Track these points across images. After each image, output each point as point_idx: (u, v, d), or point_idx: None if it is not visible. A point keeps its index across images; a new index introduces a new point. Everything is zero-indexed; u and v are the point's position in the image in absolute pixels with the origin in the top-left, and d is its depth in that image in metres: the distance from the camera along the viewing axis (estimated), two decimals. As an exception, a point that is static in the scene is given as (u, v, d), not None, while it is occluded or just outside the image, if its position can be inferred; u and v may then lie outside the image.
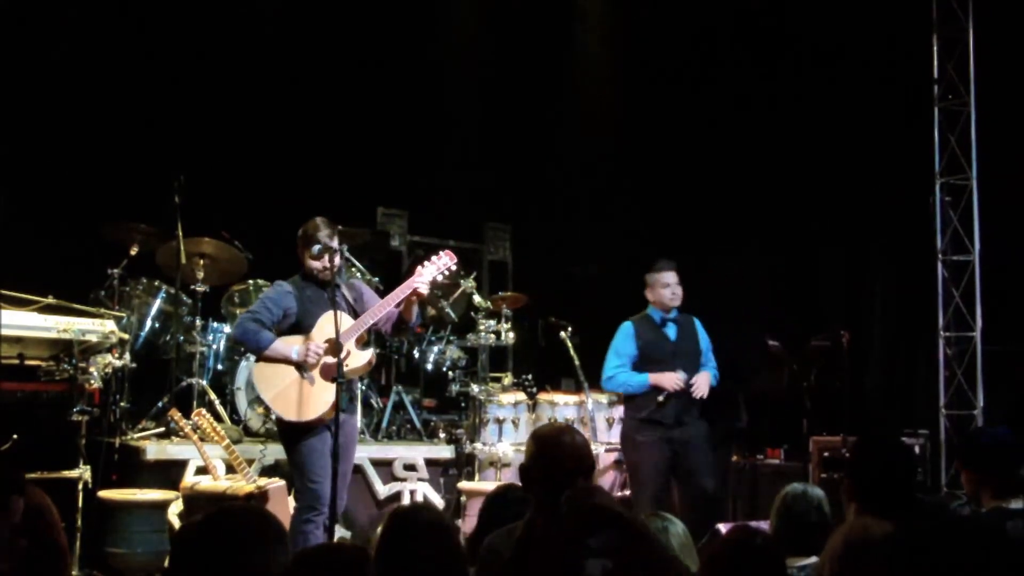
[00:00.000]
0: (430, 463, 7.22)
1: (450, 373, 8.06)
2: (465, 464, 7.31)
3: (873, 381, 8.94)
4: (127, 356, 6.34)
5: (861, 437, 3.49)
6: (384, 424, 7.70)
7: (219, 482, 5.79)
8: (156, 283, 7.18)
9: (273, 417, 5.73)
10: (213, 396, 7.09)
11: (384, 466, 7.06)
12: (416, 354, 8.18)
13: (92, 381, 5.93)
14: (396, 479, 7.07)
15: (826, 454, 7.52)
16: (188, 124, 7.97)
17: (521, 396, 7.55)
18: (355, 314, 5.31)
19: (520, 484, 6.21)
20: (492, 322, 7.92)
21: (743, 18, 9.24)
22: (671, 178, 9.46)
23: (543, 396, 7.62)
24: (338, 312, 5.15)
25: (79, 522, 5.61)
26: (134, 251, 6.96)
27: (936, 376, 8.60)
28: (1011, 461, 3.53)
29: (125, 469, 6.24)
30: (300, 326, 5.21)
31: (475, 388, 7.51)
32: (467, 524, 6.43)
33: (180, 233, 6.87)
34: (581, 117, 9.90)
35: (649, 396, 6.03)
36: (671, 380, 5.98)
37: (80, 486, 5.67)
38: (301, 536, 4.95)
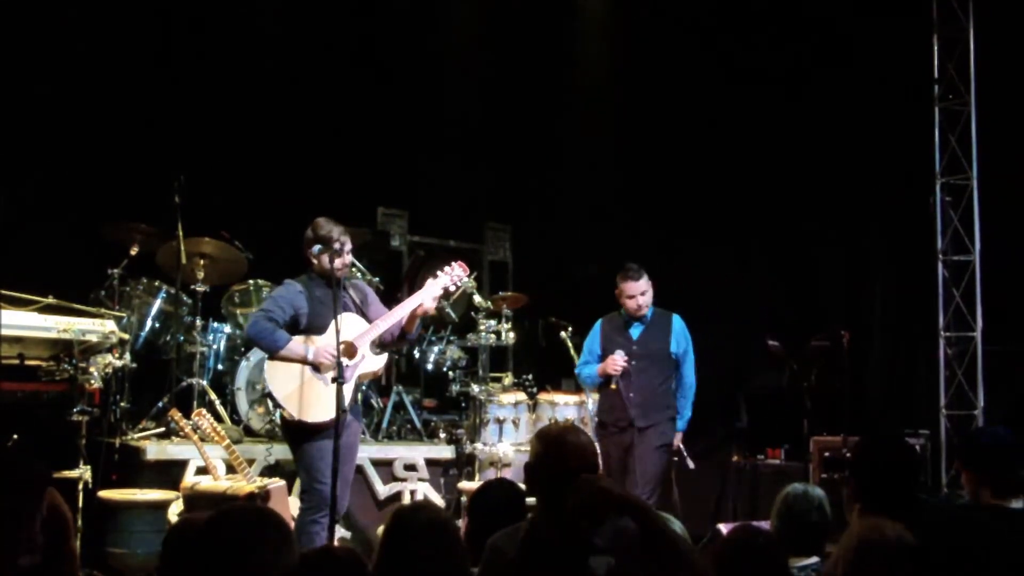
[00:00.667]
0: (430, 463, 7.21)
1: (450, 373, 8.06)
2: (465, 464, 7.31)
3: (873, 381, 8.94)
4: (127, 356, 6.33)
5: (864, 437, 3.48)
6: (384, 424, 7.70)
7: (219, 482, 5.78)
8: (156, 283, 7.17)
9: (277, 416, 5.73)
10: (213, 396, 7.09)
11: (384, 466, 7.06)
12: (416, 354, 8.18)
13: (92, 381, 5.93)
14: (396, 479, 7.07)
15: (826, 454, 7.52)
16: (188, 124, 7.96)
17: (521, 396, 7.55)
18: (362, 315, 5.32)
19: (508, 479, 6.26)
20: (492, 322, 7.91)
21: (743, 18, 9.24)
22: (671, 178, 9.45)
23: (543, 396, 7.63)
24: (346, 312, 5.18)
25: (79, 522, 5.60)
26: (134, 251, 6.95)
27: (936, 376, 8.61)
28: (1011, 461, 3.53)
29: (125, 469, 6.23)
30: (310, 326, 5.19)
31: (475, 388, 7.50)
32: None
33: (180, 233, 6.86)
34: (581, 117, 9.90)
35: (608, 394, 6.04)
36: (610, 364, 5.94)
37: (80, 486, 5.66)
38: (307, 536, 4.96)
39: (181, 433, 6.09)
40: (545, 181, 10.00)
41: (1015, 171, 8.14)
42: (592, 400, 7.21)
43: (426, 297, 5.30)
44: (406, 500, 6.98)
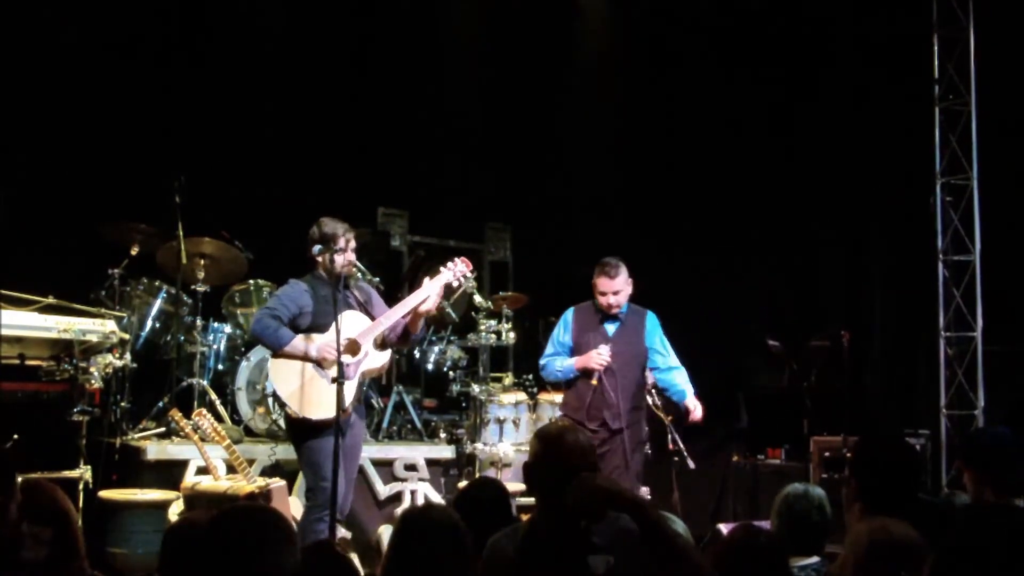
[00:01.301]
0: (431, 463, 7.21)
1: (451, 373, 8.06)
2: (466, 464, 7.31)
3: (873, 381, 8.95)
4: (127, 356, 6.33)
5: (866, 437, 3.48)
6: (385, 424, 7.70)
7: (220, 482, 5.78)
8: (156, 283, 7.17)
9: (277, 416, 5.74)
10: (214, 396, 7.08)
11: (385, 466, 7.05)
12: (417, 354, 8.18)
13: (92, 381, 5.93)
14: (397, 479, 7.06)
15: (826, 454, 7.53)
16: (188, 124, 7.96)
17: (522, 396, 7.56)
18: (367, 313, 5.33)
19: (493, 478, 6.25)
20: (493, 322, 7.91)
21: (743, 18, 9.24)
22: (671, 178, 9.46)
23: (544, 396, 7.63)
24: (349, 310, 5.19)
25: (79, 522, 5.59)
26: (134, 251, 6.95)
27: (936, 376, 8.61)
28: (1013, 461, 3.53)
29: (125, 469, 6.23)
30: (314, 324, 5.20)
31: (476, 388, 7.51)
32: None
33: (180, 233, 6.86)
34: (581, 117, 9.90)
35: (577, 393, 5.77)
36: (593, 359, 5.62)
37: (80, 486, 5.66)
38: (312, 535, 4.96)
39: (181, 433, 6.08)
40: (545, 181, 9.99)
41: (1015, 171, 8.15)
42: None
43: (431, 291, 5.29)
44: (406, 500, 6.98)
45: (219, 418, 6.67)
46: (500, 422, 7.31)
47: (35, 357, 5.90)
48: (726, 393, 8.96)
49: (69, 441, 5.77)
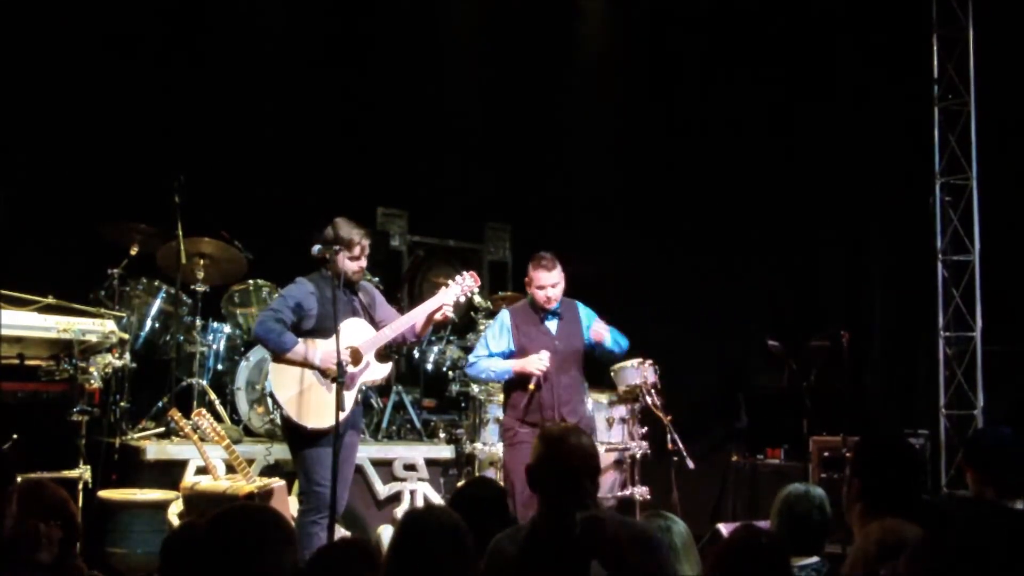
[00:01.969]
0: (430, 463, 7.21)
1: (450, 373, 8.06)
2: (465, 464, 7.30)
3: (873, 381, 8.94)
4: (127, 356, 6.33)
5: (867, 437, 3.47)
6: (384, 424, 7.70)
7: (219, 482, 5.78)
8: (156, 283, 7.17)
9: (277, 417, 5.73)
10: (213, 396, 7.09)
11: (384, 466, 7.05)
12: (416, 354, 8.18)
13: (92, 381, 5.93)
14: (396, 479, 7.06)
15: (826, 454, 7.52)
16: (188, 124, 7.96)
17: (521, 396, 7.53)
18: (370, 318, 5.31)
19: (489, 478, 6.24)
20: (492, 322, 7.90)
21: (743, 18, 9.24)
22: (671, 178, 9.45)
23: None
24: (354, 317, 5.18)
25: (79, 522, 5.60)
26: (134, 251, 6.95)
27: (936, 376, 8.61)
28: (1015, 461, 3.53)
29: (125, 469, 6.23)
30: (317, 327, 5.16)
31: (475, 388, 7.50)
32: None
33: (180, 233, 6.86)
34: (582, 116, 9.89)
35: (522, 391, 5.66)
36: (534, 364, 5.56)
37: (80, 486, 5.66)
38: (307, 537, 4.97)
39: (181, 433, 6.08)
40: (545, 181, 9.99)
41: (1015, 171, 8.15)
42: (591, 400, 7.19)
43: (444, 304, 5.31)
44: (406, 500, 6.98)
45: (218, 418, 6.68)
46: (499, 422, 7.29)
47: (35, 357, 5.90)
48: (726, 393, 8.97)
49: (69, 441, 5.77)
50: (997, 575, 1.93)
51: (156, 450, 6.37)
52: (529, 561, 2.86)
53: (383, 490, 6.96)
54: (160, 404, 6.88)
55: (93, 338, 5.99)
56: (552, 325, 5.81)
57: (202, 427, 5.73)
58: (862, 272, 9.22)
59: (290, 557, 2.28)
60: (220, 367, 7.37)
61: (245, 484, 5.60)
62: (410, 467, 7.11)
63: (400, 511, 6.92)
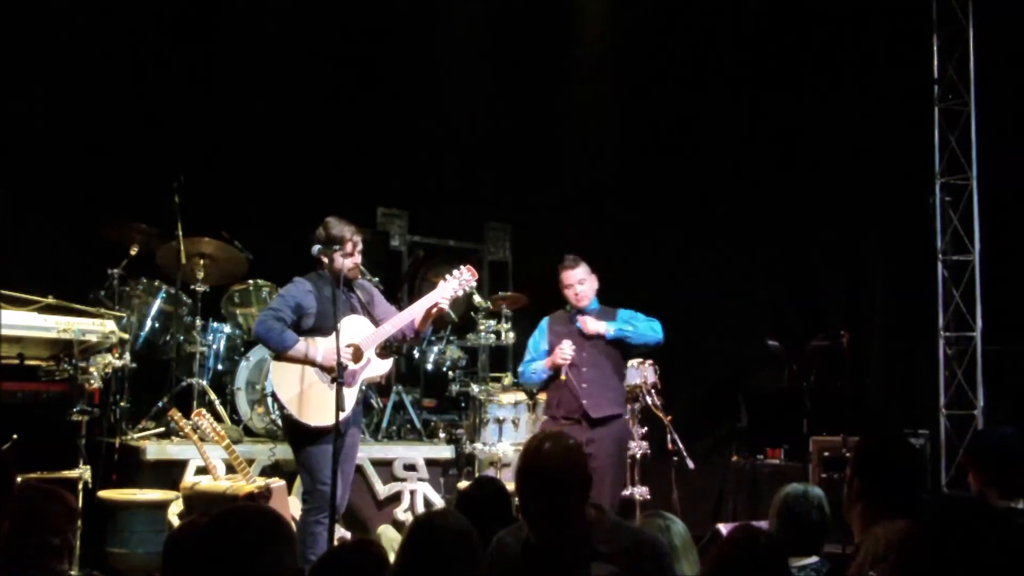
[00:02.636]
0: (430, 463, 7.21)
1: (450, 373, 8.06)
2: (465, 464, 7.31)
3: (873, 381, 8.93)
4: (127, 356, 6.32)
5: (868, 437, 3.46)
6: (384, 424, 7.71)
7: (219, 482, 5.79)
8: (156, 283, 7.17)
9: (277, 417, 5.74)
10: (213, 396, 7.09)
11: (384, 466, 7.06)
12: (416, 354, 8.18)
13: (92, 381, 5.92)
14: (396, 479, 7.07)
15: (826, 454, 7.52)
16: (188, 124, 7.96)
17: (521, 396, 7.55)
18: (369, 316, 5.32)
19: (495, 478, 6.25)
20: (492, 322, 7.91)
21: (743, 18, 9.24)
22: (671, 178, 9.46)
23: (543, 396, 7.62)
24: (353, 315, 5.18)
25: (79, 522, 5.60)
26: (134, 251, 6.95)
27: (936, 376, 8.60)
28: (1019, 462, 3.52)
29: (125, 469, 6.23)
30: (317, 326, 5.17)
31: (475, 388, 7.51)
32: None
33: (180, 233, 6.86)
34: (581, 116, 9.89)
35: (555, 390, 5.97)
36: (558, 354, 5.87)
37: (80, 486, 5.65)
38: (311, 537, 4.98)
39: (181, 433, 6.09)
40: (545, 181, 9.99)
41: (1015, 171, 8.14)
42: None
43: (441, 300, 5.31)
44: (406, 500, 6.99)
45: (218, 418, 6.68)
46: (499, 422, 7.30)
47: (35, 357, 5.90)
48: (726, 393, 8.97)
49: (68, 441, 5.77)
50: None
51: (156, 450, 6.37)
52: (530, 563, 2.85)
53: (383, 490, 6.97)
54: (160, 404, 6.88)
55: (93, 338, 5.99)
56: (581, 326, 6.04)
57: (202, 427, 5.73)
58: (862, 272, 9.22)
59: (289, 557, 2.27)
60: (220, 367, 7.38)
61: (245, 484, 5.61)
62: (410, 467, 7.11)
63: (400, 511, 6.92)
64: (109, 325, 6.13)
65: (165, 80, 8.02)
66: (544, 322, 6.22)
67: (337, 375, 4.78)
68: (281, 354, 5.13)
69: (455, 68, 9.63)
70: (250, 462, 6.11)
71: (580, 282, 5.99)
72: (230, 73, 8.28)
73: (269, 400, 6.62)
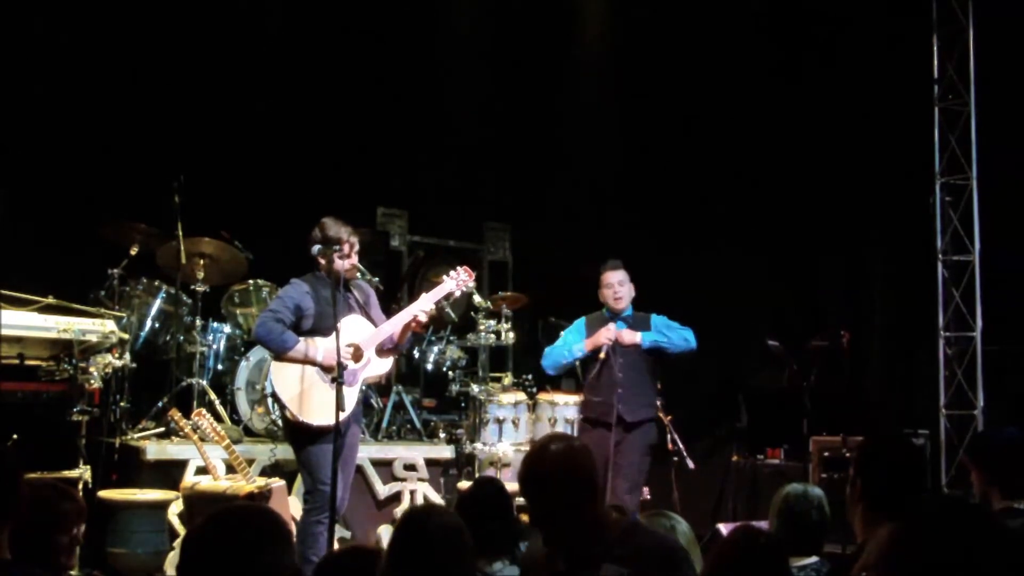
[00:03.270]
0: (430, 463, 7.21)
1: (450, 373, 8.06)
2: (465, 464, 7.31)
3: (873, 381, 8.93)
4: (127, 356, 6.33)
5: (870, 437, 3.45)
6: (384, 424, 7.70)
7: (219, 482, 5.78)
8: (156, 283, 7.17)
9: (277, 417, 5.74)
10: (213, 396, 7.08)
11: (384, 466, 7.06)
12: (416, 354, 8.18)
13: (92, 381, 5.93)
14: (396, 479, 7.07)
15: (826, 454, 7.52)
16: (188, 124, 7.96)
17: (521, 396, 7.55)
18: (366, 316, 5.32)
19: (495, 478, 6.26)
20: (492, 322, 7.91)
21: (743, 18, 9.24)
22: (671, 178, 9.46)
23: (543, 396, 7.62)
24: (352, 315, 5.18)
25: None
26: (134, 251, 6.95)
27: (936, 376, 8.60)
28: (1021, 462, 3.51)
29: (125, 469, 6.23)
30: (316, 326, 5.17)
31: (475, 388, 7.50)
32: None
33: (180, 233, 6.86)
34: (581, 116, 9.89)
35: (591, 391, 6.12)
36: (603, 335, 6.03)
37: (80, 486, 5.65)
38: (312, 537, 4.97)
39: (181, 433, 6.09)
40: (545, 181, 9.99)
41: (1015, 171, 8.14)
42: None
43: (433, 299, 5.33)
44: (406, 500, 6.99)
45: (218, 418, 6.68)
46: (499, 422, 7.31)
47: (35, 357, 5.90)
48: (726, 393, 8.96)
49: (68, 441, 5.77)
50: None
51: (156, 450, 6.37)
52: (547, 562, 2.84)
53: (383, 490, 6.97)
54: (160, 404, 6.88)
55: (93, 338, 5.99)
56: (618, 326, 6.19)
57: (202, 427, 5.73)
58: (862, 272, 9.22)
59: (288, 558, 2.27)
60: (220, 367, 7.37)
61: (245, 484, 5.61)
62: (410, 467, 7.11)
63: (400, 511, 6.92)
64: (109, 325, 6.14)
65: (165, 80, 8.01)
66: (580, 321, 6.36)
67: (337, 375, 4.78)
68: (282, 355, 5.14)
69: (455, 68, 9.64)
70: (250, 462, 6.11)
71: (620, 284, 6.17)
72: (230, 73, 8.27)
73: (269, 400, 6.62)
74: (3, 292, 5.72)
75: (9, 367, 5.72)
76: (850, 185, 8.85)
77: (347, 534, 6.63)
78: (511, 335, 7.93)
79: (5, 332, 5.51)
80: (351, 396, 5.12)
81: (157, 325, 7.15)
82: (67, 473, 5.66)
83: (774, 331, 8.43)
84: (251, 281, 7.41)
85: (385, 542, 6.15)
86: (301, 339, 5.11)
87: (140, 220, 6.97)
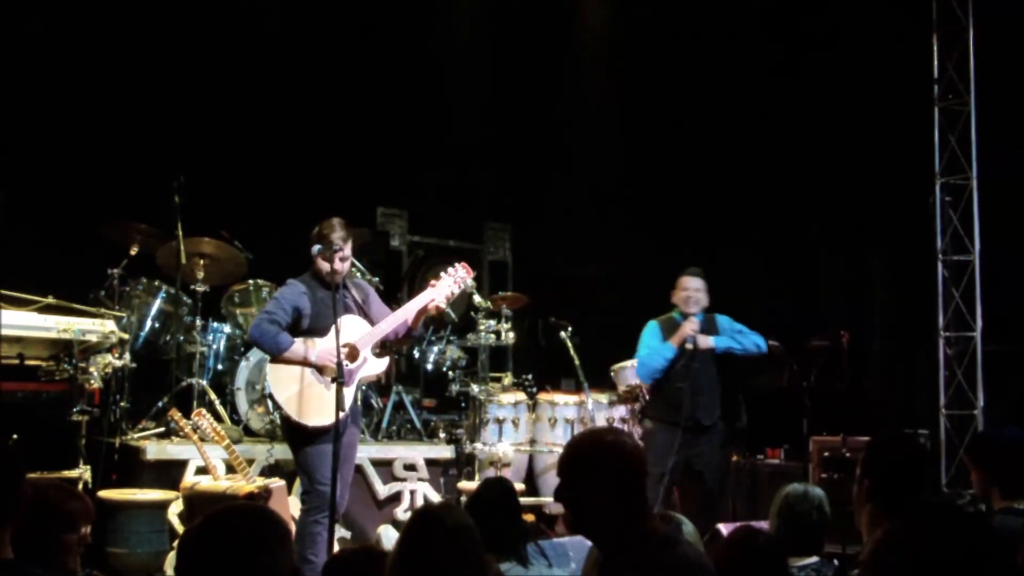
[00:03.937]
0: (430, 463, 7.21)
1: (450, 373, 8.06)
2: (465, 464, 7.31)
3: (873, 381, 8.93)
4: (127, 356, 6.33)
5: (879, 437, 3.44)
6: (384, 424, 7.70)
7: (219, 482, 5.78)
8: (156, 283, 7.17)
9: (277, 417, 5.73)
10: (213, 396, 7.09)
11: (384, 466, 7.06)
12: (416, 354, 8.18)
13: (92, 381, 5.93)
14: (396, 479, 7.07)
15: (826, 454, 7.51)
16: (188, 124, 7.96)
17: (521, 396, 7.56)
18: (364, 315, 5.31)
19: (503, 478, 6.26)
20: (492, 322, 7.91)
21: (743, 18, 9.24)
22: (671, 178, 9.45)
23: (543, 396, 7.63)
24: (348, 314, 5.18)
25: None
26: (134, 251, 6.95)
27: (936, 376, 8.59)
28: (1021, 462, 3.51)
29: (125, 469, 6.24)
30: (312, 327, 5.18)
31: (475, 388, 7.51)
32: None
33: (180, 233, 6.86)
34: (581, 116, 9.89)
35: (669, 392, 6.21)
36: (687, 328, 6.18)
37: (80, 486, 5.66)
38: (310, 537, 4.97)
39: (181, 433, 6.09)
40: (545, 181, 9.99)
41: (1015, 171, 8.13)
42: (592, 400, 7.22)
43: (437, 297, 5.31)
44: (406, 500, 6.98)
45: (218, 418, 6.68)
46: (499, 422, 7.31)
47: (35, 357, 5.91)
48: (726, 393, 8.94)
49: (69, 441, 5.78)
50: None
51: (156, 450, 6.37)
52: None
53: (383, 490, 6.96)
54: (160, 404, 6.88)
55: (93, 338, 6.00)
56: None
57: (202, 427, 5.73)
58: (862, 272, 9.21)
59: (286, 557, 2.26)
60: (220, 367, 7.38)
61: (245, 484, 5.61)
62: (410, 467, 7.11)
63: (400, 511, 6.92)
64: (109, 325, 6.14)
65: (165, 80, 8.01)
66: (654, 326, 6.44)
67: (338, 375, 4.78)
68: (277, 356, 5.13)
69: (455, 68, 9.63)
70: (250, 462, 6.11)
71: (696, 291, 6.36)
72: (230, 73, 8.27)
73: (269, 400, 6.62)
74: (3, 292, 5.72)
75: (9, 367, 5.73)
76: (850, 185, 8.84)
77: (347, 534, 6.63)
78: (511, 335, 7.93)
79: (5, 332, 5.51)
80: (347, 396, 5.12)
81: (157, 325, 7.15)
82: (67, 473, 5.67)
83: (774, 331, 8.43)
84: (251, 281, 7.41)
85: (385, 542, 6.17)
86: (296, 340, 5.11)
87: (140, 220, 6.98)
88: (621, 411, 7.38)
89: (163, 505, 5.89)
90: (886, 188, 8.74)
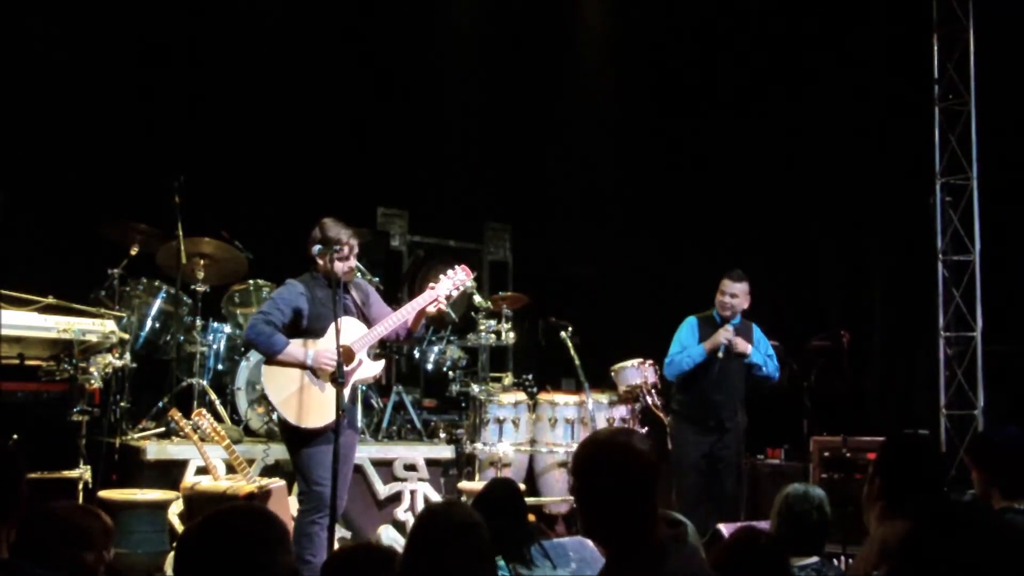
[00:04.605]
0: (430, 463, 7.21)
1: (450, 373, 8.06)
2: (465, 464, 7.31)
3: (873, 381, 8.93)
4: (127, 356, 6.33)
5: (893, 436, 3.45)
6: (384, 424, 7.70)
7: (219, 482, 5.78)
8: (156, 283, 7.17)
9: (275, 418, 5.73)
10: (213, 396, 7.08)
11: (384, 466, 7.05)
12: (416, 354, 8.18)
13: (92, 381, 5.93)
14: (396, 479, 7.06)
15: (826, 454, 7.51)
16: (187, 124, 7.97)
17: (521, 396, 7.55)
18: (363, 316, 5.30)
19: (509, 478, 6.26)
20: (492, 322, 7.91)
21: (742, 18, 9.24)
22: (670, 178, 9.46)
23: (543, 396, 7.62)
24: (346, 316, 5.17)
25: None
26: (134, 251, 6.95)
27: (936, 376, 8.60)
28: (1021, 462, 3.51)
29: (125, 469, 6.23)
30: (310, 327, 5.16)
31: (475, 388, 7.50)
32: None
33: (180, 233, 6.86)
34: (581, 117, 9.90)
35: (695, 386, 6.34)
36: (721, 336, 6.24)
37: (80, 486, 5.67)
38: (307, 538, 4.96)
39: (181, 433, 6.09)
40: (545, 181, 10.00)
41: (1015, 171, 8.14)
42: (592, 400, 7.22)
43: (436, 298, 5.30)
44: (406, 500, 6.98)
45: (219, 418, 6.68)
46: (500, 422, 7.31)
47: (35, 357, 5.90)
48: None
49: (69, 441, 5.77)
50: None
51: (156, 450, 6.37)
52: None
53: (383, 490, 6.96)
54: (160, 404, 6.88)
55: (93, 338, 5.99)
56: None
57: (202, 427, 5.73)
58: (862, 272, 9.21)
59: (284, 557, 2.26)
60: (220, 367, 7.37)
61: (245, 484, 5.61)
62: (410, 467, 7.11)
63: (400, 511, 6.92)
64: (109, 325, 6.14)
65: (165, 80, 8.01)
66: (692, 321, 6.52)
67: (338, 375, 4.77)
68: (271, 357, 5.12)
69: (455, 68, 9.64)
70: (250, 462, 6.11)
71: (734, 295, 6.39)
72: (230, 73, 8.28)
73: (267, 400, 6.62)
74: (3, 292, 5.71)
75: (9, 367, 5.72)
76: (850, 185, 8.84)
77: (347, 534, 6.63)
78: (511, 335, 7.93)
79: (5, 332, 5.51)
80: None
81: (157, 325, 7.15)
82: (67, 473, 5.67)
83: (774, 331, 8.43)
84: (251, 281, 7.41)
85: (384, 542, 6.17)
86: (292, 341, 5.10)
87: (140, 220, 6.97)
88: (621, 411, 7.37)
89: (163, 505, 5.89)
90: (886, 188, 8.74)
